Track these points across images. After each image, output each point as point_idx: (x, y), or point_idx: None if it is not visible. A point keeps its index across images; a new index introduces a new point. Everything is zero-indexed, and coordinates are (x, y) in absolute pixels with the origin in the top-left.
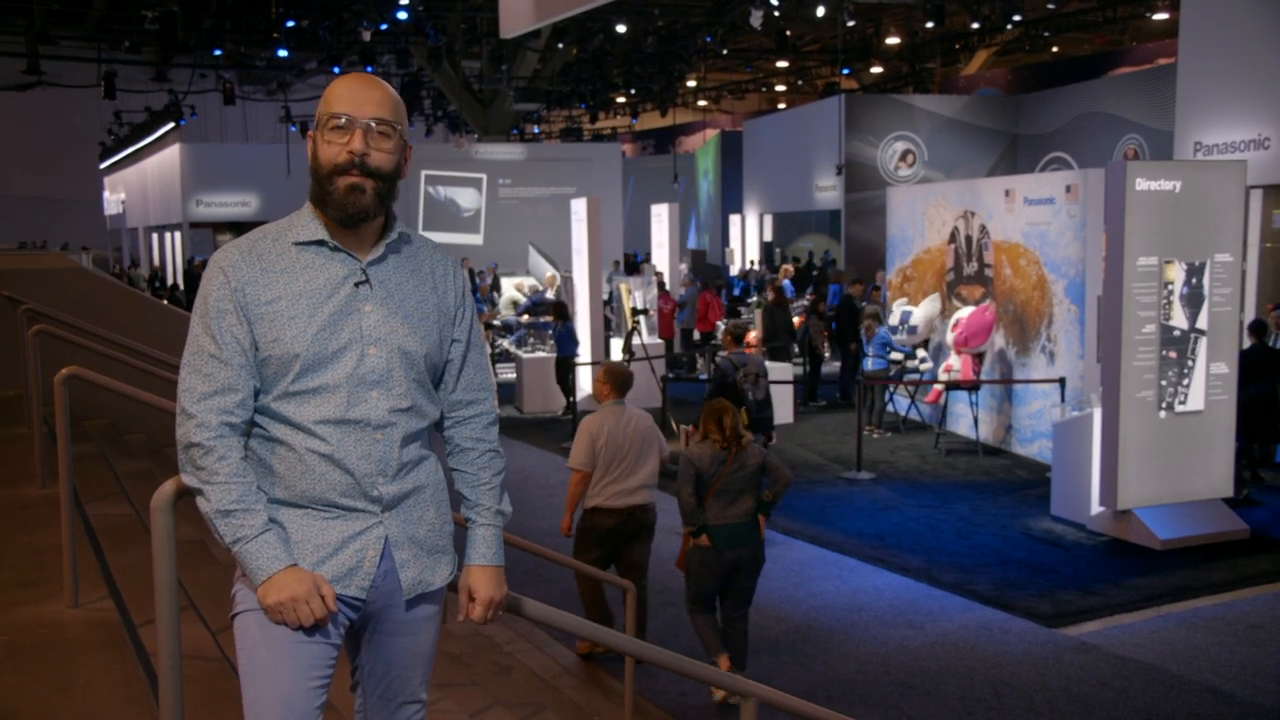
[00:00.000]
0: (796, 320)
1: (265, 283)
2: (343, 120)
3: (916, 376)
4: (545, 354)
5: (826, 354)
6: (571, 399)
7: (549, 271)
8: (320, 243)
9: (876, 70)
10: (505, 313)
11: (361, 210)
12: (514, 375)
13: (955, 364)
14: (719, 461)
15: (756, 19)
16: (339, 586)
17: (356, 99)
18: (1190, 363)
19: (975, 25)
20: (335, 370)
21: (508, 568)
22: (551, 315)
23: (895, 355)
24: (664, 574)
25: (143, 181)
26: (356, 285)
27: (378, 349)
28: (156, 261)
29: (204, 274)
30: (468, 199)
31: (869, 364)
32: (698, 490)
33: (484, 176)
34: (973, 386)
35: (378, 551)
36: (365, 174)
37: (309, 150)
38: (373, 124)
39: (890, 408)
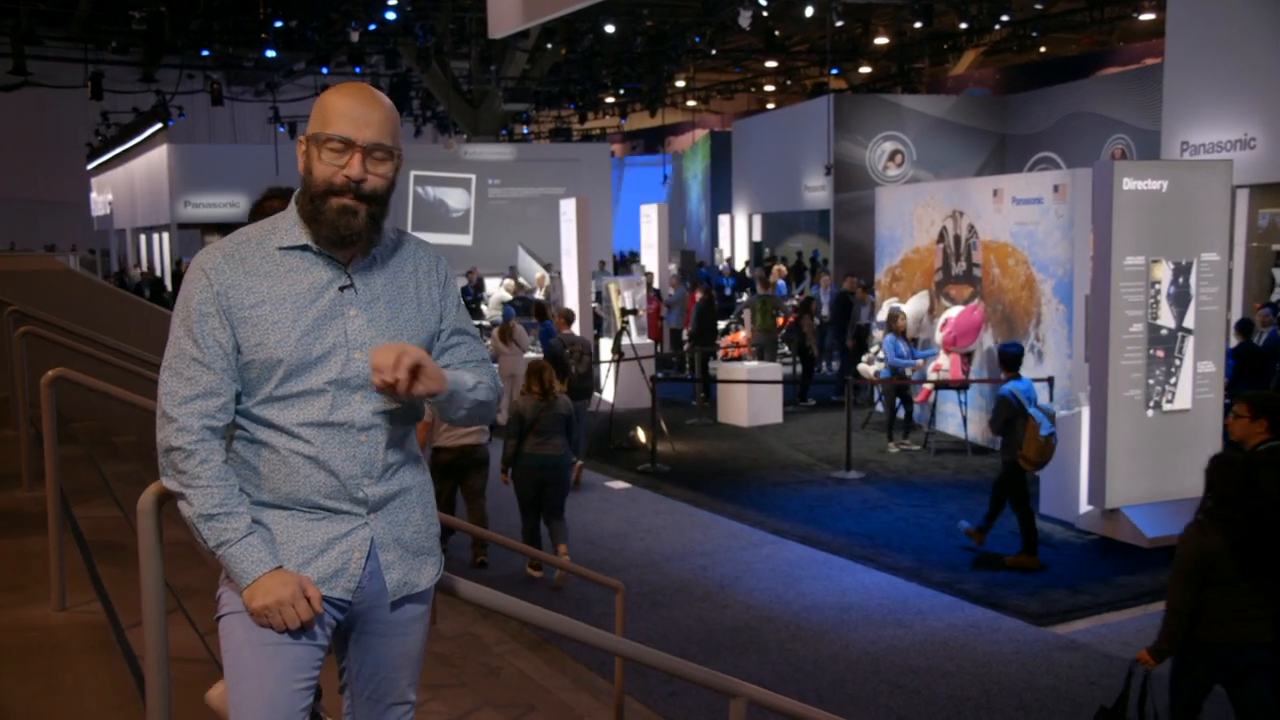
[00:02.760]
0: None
1: (249, 286)
2: (341, 143)
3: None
4: (533, 354)
5: (816, 353)
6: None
7: (538, 272)
8: (304, 247)
9: (865, 70)
10: (494, 313)
11: (354, 233)
12: None
13: (944, 363)
14: (537, 409)
15: (745, 19)
16: (324, 588)
17: (357, 120)
18: (1177, 361)
19: (963, 25)
20: (319, 375)
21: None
22: (534, 316)
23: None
24: (654, 574)
25: (130, 182)
26: (341, 290)
27: (363, 354)
28: (145, 266)
29: (186, 276)
30: (457, 199)
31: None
32: (522, 430)
33: (473, 177)
34: (961, 386)
35: (363, 553)
36: (360, 198)
37: (300, 159)
38: (372, 148)
39: (879, 408)
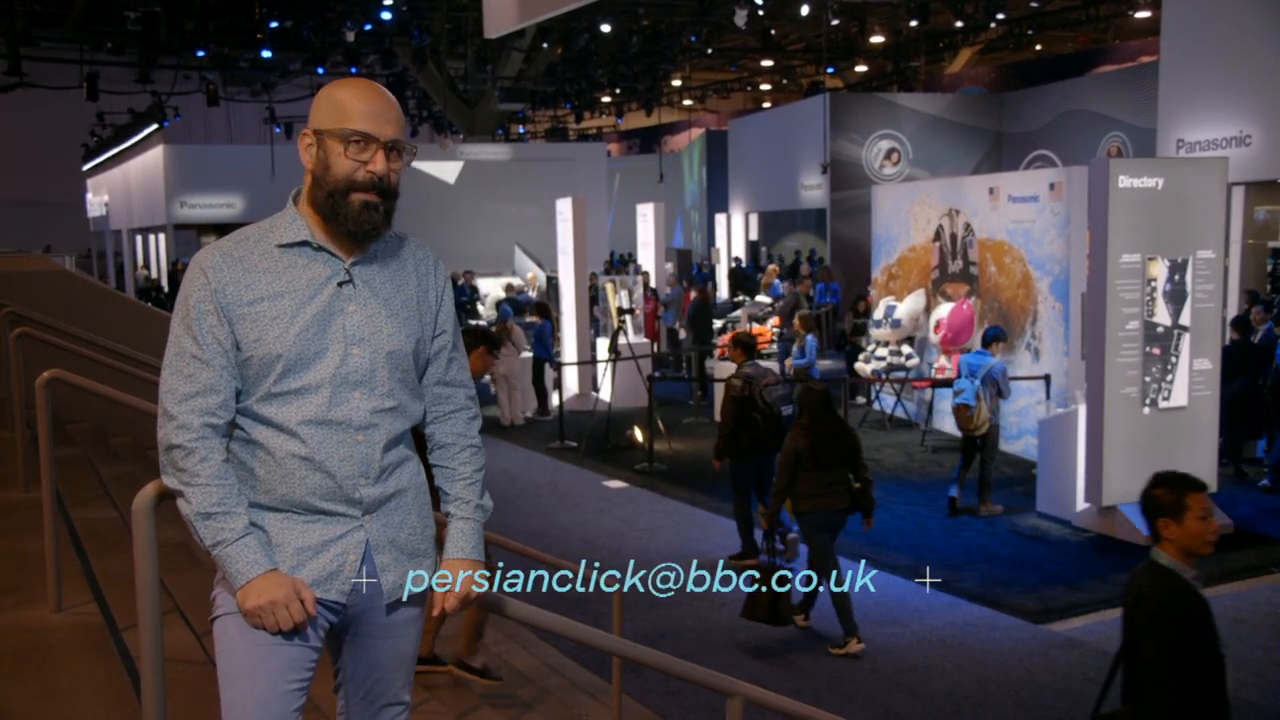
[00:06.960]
0: (778, 320)
1: (247, 283)
2: (363, 139)
3: (904, 375)
4: (528, 354)
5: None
6: (545, 401)
7: (531, 271)
8: (304, 244)
9: (861, 69)
10: (490, 313)
11: (375, 228)
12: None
13: (947, 364)
14: None
15: (741, 18)
16: (319, 590)
17: (377, 118)
18: (1174, 359)
19: (959, 24)
20: (318, 370)
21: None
22: (535, 315)
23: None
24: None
25: (126, 183)
26: (340, 285)
27: (361, 349)
28: (142, 263)
29: (185, 274)
30: None
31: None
32: None
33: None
34: None
35: (358, 555)
36: (382, 194)
37: (304, 153)
38: (392, 144)
39: (876, 406)
